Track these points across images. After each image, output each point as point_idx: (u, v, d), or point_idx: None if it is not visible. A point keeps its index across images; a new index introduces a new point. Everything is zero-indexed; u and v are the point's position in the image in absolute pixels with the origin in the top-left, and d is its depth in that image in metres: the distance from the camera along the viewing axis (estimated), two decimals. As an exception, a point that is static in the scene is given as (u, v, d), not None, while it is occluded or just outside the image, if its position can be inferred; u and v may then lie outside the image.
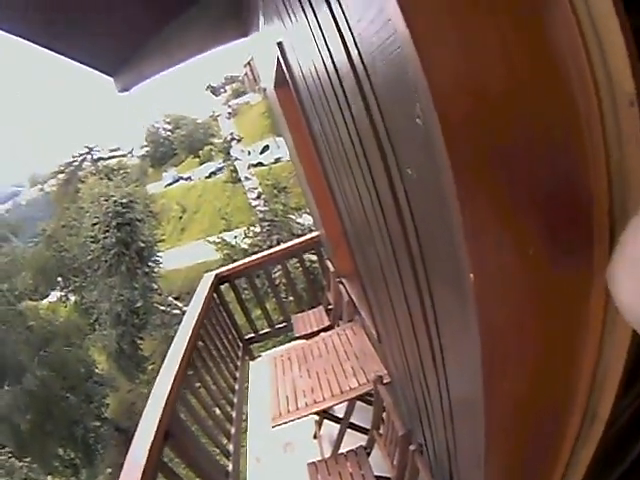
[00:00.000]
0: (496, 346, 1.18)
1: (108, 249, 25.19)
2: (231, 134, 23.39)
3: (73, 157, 39.94)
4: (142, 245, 25.79)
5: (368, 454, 3.49)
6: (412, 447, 2.59)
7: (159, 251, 28.41)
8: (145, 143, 56.28)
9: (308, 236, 6.44)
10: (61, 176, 39.50)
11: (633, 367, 1.17)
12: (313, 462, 3.55)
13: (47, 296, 33.53)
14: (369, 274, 2.89)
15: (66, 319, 29.05)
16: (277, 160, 28.94)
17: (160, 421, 3.20)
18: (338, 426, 3.86)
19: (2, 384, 23.52)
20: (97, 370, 27.48)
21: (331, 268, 5.27)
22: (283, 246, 6.52)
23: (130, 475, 2.82)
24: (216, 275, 5.87)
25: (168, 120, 55.08)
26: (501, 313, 1.12)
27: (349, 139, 1.94)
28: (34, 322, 25.84)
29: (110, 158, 40.15)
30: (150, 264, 27.00)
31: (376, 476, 3.27)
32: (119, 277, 25.51)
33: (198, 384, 4.43)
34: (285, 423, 3.60)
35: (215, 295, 5.74)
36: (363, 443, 3.59)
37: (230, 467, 4.23)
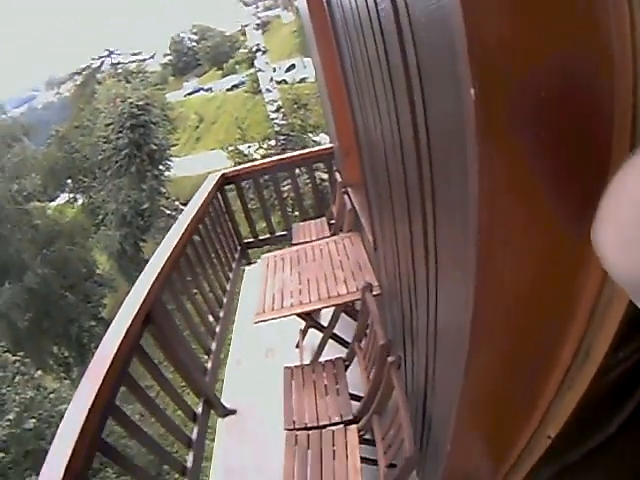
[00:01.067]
0: (494, 246, 1.07)
1: (120, 150, 25.24)
2: (257, 45, 22.76)
3: (92, 59, 39.40)
4: (154, 148, 25.76)
5: (346, 367, 3.44)
6: (390, 358, 2.49)
7: (171, 156, 28.49)
8: (168, 52, 55.46)
9: (321, 147, 6.31)
10: (78, 78, 39.03)
11: (635, 319, 1.06)
12: (290, 367, 3.50)
13: (55, 198, 33.76)
14: (374, 177, 2.76)
15: (72, 219, 29.47)
16: (302, 80, 28.33)
17: (143, 303, 3.17)
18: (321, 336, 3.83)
19: (3, 281, 23.98)
20: (98, 270, 27.95)
21: (339, 179, 5.13)
22: (294, 153, 6.41)
23: (104, 353, 2.78)
24: (222, 174, 5.76)
25: (194, 30, 54.29)
26: (502, 190, 0.98)
27: (375, 48, 1.78)
28: (40, 221, 26.31)
29: (130, 62, 39.41)
30: (160, 167, 27.13)
31: (350, 393, 3.22)
32: (128, 178, 25.62)
33: (189, 277, 4.38)
34: (268, 320, 3.57)
35: (219, 195, 5.69)
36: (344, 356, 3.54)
37: (209, 365, 4.21)
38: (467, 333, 1.22)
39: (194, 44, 54.28)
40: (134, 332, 3.02)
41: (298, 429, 3.03)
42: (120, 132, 25.09)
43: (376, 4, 1.56)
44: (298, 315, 3.73)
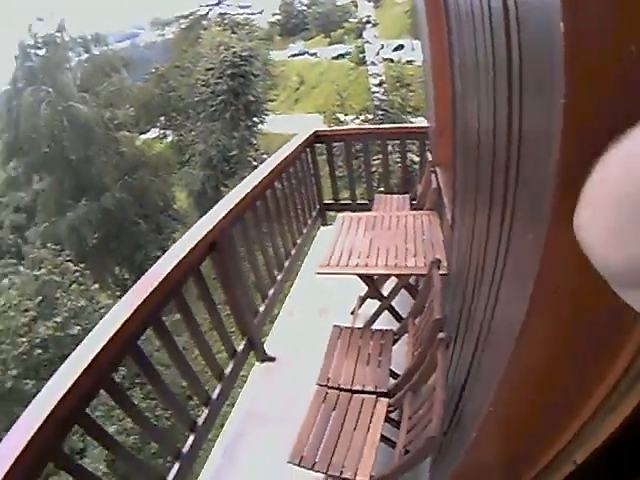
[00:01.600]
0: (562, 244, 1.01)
1: (217, 95, 25.58)
2: (367, 16, 22.29)
3: (200, 6, 39.58)
4: (251, 99, 25.93)
5: (394, 342, 3.39)
6: (441, 335, 2.42)
7: (267, 110, 28.62)
8: (278, 12, 55.66)
9: (416, 124, 6.22)
10: (184, 22, 39.36)
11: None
12: (339, 326, 3.51)
13: (146, 132, 34.09)
14: (464, 159, 2.71)
15: (158, 153, 29.97)
16: (409, 62, 27.78)
17: (211, 230, 3.28)
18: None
19: (81, 198, 24.72)
20: (174, 206, 28.46)
21: (429, 158, 5.03)
22: (389, 125, 6.37)
23: (159, 268, 2.88)
24: (315, 131, 5.81)
25: (307, -6, 54.56)
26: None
27: (483, 39, 1.74)
28: (126, 149, 26.86)
29: (238, 15, 39.58)
30: (255, 120, 27.31)
31: (390, 369, 3.20)
32: (221, 123, 25.97)
33: (263, 222, 4.47)
34: (330, 274, 3.59)
35: (308, 150, 5.74)
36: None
37: (262, 309, 4.30)
38: (528, 298, 1.16)
39: (304, 8, 54.39)
40: (197, 254, 3.14)
41: (330, 387, 3.03)
42: (220, 78, 25.39)
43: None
44: (361, 278, 3.75)
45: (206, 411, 3.37)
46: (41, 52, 27.31)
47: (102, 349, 2.24)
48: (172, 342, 3.06)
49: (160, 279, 2.72)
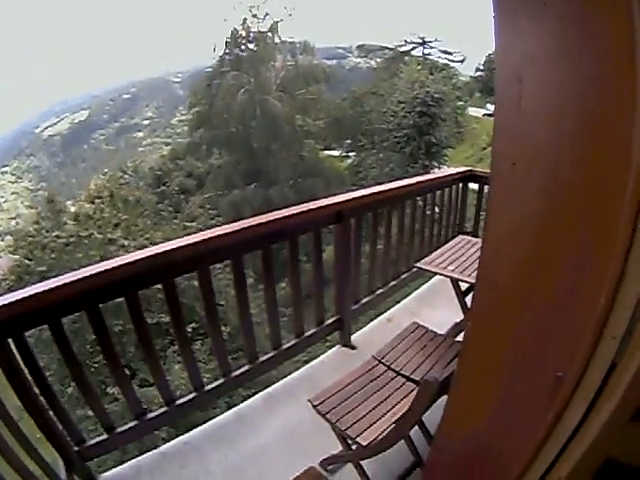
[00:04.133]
0: None
1: (402, 128, 26.59)
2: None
3: (405, 42, 40.97)
4: (433, 141, 26.58)
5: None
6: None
7: (446, 156, 28.93)
8: (481, 68, 55.35)
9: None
10: (388, 53, 40.94)
11: None
12: (417, 323, 3.60)
13: (331, 149, 35.48)
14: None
15: (335, 168, 31.75)
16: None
17: (339, 202, 3.77)
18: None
19: (251, 182, 27.13)
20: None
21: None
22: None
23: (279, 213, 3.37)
24: (470, 170, 5.64)
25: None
26: None
27: None
28: (307, 154, 29.04)
29: (439, 58, 40.78)
30: (433, 162, 27.74)
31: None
32: (399, 156, 27.05)
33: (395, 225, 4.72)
34: (425, 270, 4.04)
35: (460, 184, 5.64)
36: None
37: (365, 300, 4.59)
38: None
39: (507, 71, 53.48)
40: (319, 215, 3.71)
41: (382, 363, 3.17)
42: (409, 113, 26.38)
43: None
44: (453, 286, 3.92)
45: (271, 354, 3.77)
46: (251, 45, 29.71)
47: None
48: (270, 276, 3.55)
49: (272, 218, 3.24)
